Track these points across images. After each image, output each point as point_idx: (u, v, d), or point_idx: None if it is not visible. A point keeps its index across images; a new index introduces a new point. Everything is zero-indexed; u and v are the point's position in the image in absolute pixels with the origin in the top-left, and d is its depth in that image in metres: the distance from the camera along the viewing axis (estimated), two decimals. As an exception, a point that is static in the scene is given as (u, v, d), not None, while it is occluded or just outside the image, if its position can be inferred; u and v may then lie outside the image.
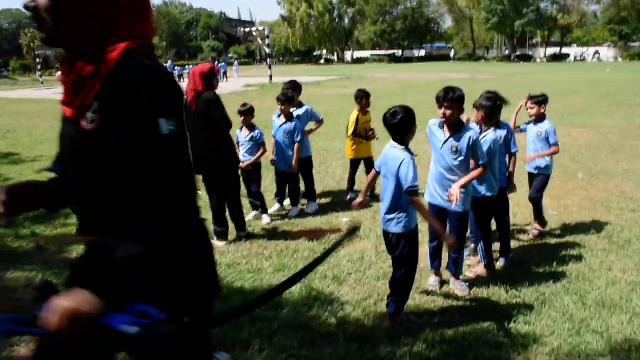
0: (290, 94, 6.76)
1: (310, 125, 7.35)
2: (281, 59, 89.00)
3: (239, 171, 6.02)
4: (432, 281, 4.68)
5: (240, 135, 6.52)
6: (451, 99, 4.19)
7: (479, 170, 4.31)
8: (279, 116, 6.69)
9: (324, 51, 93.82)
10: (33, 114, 22.54)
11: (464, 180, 4.28)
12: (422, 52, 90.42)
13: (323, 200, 7.55)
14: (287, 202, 7.14)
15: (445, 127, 4.34)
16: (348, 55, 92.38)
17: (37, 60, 60.31)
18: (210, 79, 5.52)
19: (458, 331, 3.88)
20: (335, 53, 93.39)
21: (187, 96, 5.56)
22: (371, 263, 5.21)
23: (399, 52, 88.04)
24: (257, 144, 6.48)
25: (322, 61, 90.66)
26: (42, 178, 2.18)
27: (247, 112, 6.40)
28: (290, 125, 6.61)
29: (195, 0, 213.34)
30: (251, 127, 6.46)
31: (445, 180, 4.38)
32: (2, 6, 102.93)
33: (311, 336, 3.84)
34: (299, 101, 7.08)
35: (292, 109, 6.78)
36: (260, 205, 6.70)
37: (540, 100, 5.67)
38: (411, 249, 3.92)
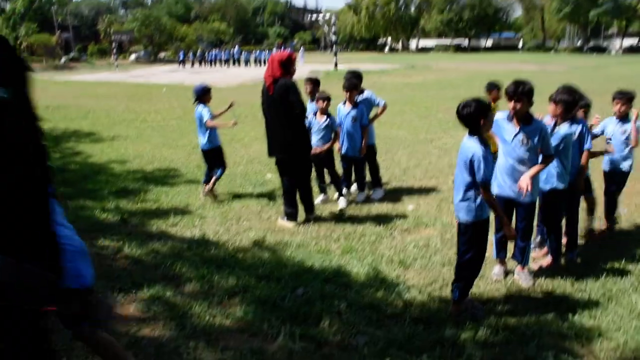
0: (354, 81, 6.89)
1: (375, 110, 7.44)
2: (346, 46, 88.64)
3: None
4: (496, 270, 4.77)
5: (314, 121, 6.67)
6: (521, 92, 4.26)
7: (546, 161, 4.41)
8: (345, 103, 6.85)
9: (389, 39, 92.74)
10: (110, 96, 23.59)
11: (533, 170, 4.37)
12: (490, 42, 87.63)
13: (389, 188, 7.68)
14: (353, 187, 7.32)
15: (515, 120, 4.40)
16: (413, 43, 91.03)
17: (113, 45, 62.50)
18: (288, 65, 5.74)
19: (521, 320, 3.98)
20: (400, 41, 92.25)
21: (265, 82, 5.82)
22: (436, 250, 5.34)
23: (465, 42, 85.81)
24: (331, 131, 6.65)
25: (386, 49, 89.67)
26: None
27: (325, 99, 6.56)
28: (356, 112, 6.76)
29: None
30: (327, 114, 6.63)
31: (516, 172, 4.45)
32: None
33: (378, 315, 4.04)
34: (361, 88, 7.18)
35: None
36: (325, 189, 6.93)
37: (630, 97, 5.50)
38: (479, 237, 4.03)
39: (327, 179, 6.99)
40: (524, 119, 4.38)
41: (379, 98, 7.27)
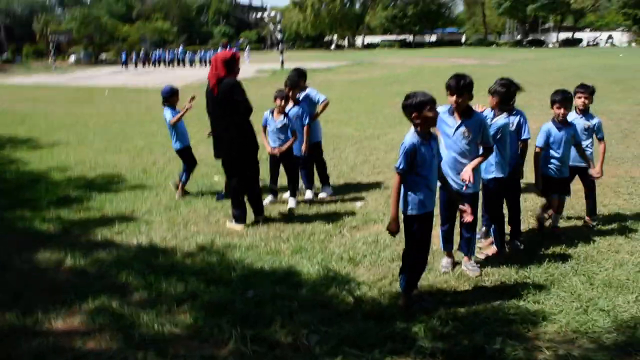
0: (296, 79, 6.87)
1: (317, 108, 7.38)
2: (292, 44, 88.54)
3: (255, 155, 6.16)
4: (444, 262, 4.85)
5: (271, 120, 6.59)
6: (462, 86, 4.37)
7: (486, 152, 4.56)
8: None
9: (335, 36, 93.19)
10: (48, 100, 22.85)
11: (475, 162, 4.49)
12: (434, 38, 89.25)
13: (337, 185, 7.70)
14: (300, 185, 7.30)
15: (456, 114, 4.50)
16: (359, 40, 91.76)
17: (50, 45, 60.56)
18: (232, 65, 5.69)
19: (470, 309, 4.06)
20: (346, 38, 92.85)
21: (209, 82, 5.74)
22: (385, 245, 5.39)
23: (410, 38, 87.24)
24: (288, 130, 6.55)
25: (333, 46, 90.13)
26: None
27: (282, 97, 6.47)
28: (297, 110, 6.73)
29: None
30: (284, 113, 6.54)
31: (458, 165, 4.55)
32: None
33: (329, 313, 4.04)
34: (304, 86, 7.16)
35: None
36: (276, 189, 6.91)
37: (592, 91, 5.65)
38: (419, 230, 4.09)
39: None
40: (464, 112, 4.48)
41: (320, 95, 7.24)
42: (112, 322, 3.94)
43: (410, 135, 3.97)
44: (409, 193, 4.02)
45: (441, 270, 4.76)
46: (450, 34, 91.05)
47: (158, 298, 4.30)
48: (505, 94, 4.87)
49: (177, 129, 7.29)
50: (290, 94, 6.68)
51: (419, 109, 3.88)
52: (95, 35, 71.63)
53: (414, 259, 4.16)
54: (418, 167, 3.96)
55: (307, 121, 6.74)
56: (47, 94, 25.88)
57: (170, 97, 7.30)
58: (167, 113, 7.26)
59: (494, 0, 77.17)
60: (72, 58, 70.55)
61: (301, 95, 6.96)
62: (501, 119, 4.86)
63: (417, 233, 4.08)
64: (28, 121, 16.41)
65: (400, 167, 3.95)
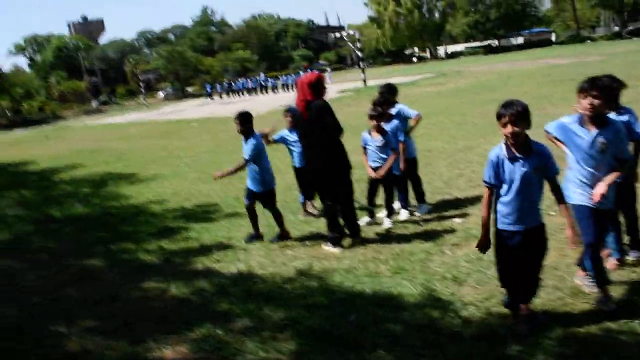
0: (387, 95, 6.79)
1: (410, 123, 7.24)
2: (371, 61, 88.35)
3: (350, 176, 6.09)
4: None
5: (370, 140, 6.51)
6: (600, 86, 3.91)
7: (622, 166, 4.04)
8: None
9: (416, 49, 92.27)
10: (142, 136, 24.11)
11: (611, 178, 3.98)
12: (520, 40, 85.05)
13: (433, 201, 7.47)
14: (396, 205, 7.14)
15: (589, 122, 3.97)
16: (441, 50, 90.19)
17: (140, 84, 64.04)
18: (318, 87, 5.68)
19: (590, 330, 3.74)
20: (427, 49, 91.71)
21: (298, 107, 5.75)
22: (491, 262, 5.04)
23: (495, 42, 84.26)
24: (389, 149, 6.45)
25: (414, 59, 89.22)
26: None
27: (379, 116, 6.38)
28: (391, 127, 6.61)
29: (282, 11, 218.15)
30: (382, 132, 6.44)
31: (594, 179, 4.01)
32: (107, 38, 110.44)
33: (435, 336, 3.87)
34: (395, 101, 7.05)
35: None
36: (374, 210, 6.81)
37: None
38: (507, 245, 3.86)
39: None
40: (599, 120, 3.96)
41: (412, 110, 7.10)
42: (218, 350, 3.97)
43: (497, 147, 3.75)
44: (499, 206, 3.82)
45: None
46: (538, 34, 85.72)
47: (260, 324, 4.29)
48: (612, 92, 4.42)
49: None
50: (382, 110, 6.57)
51: (498, 120, 3.65)
52: (181, 70, 74.96)
53: (506, 276, 3.93)
54: (505, 183, 3.72)
55: (401, 138, 6.61)
56: (140, 130, 27.29)
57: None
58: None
59: (586, -8, 72.69)
60: (161, 94, 74.39)
61: (393, 111, 6.84)
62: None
63: (501, 248, 3.89)
64: (125, 157, 17.32)
65: (485, 179, 3.80)
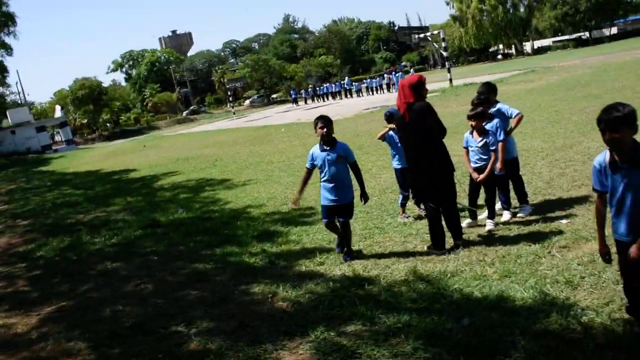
0: (487, 94, 6.71)
1: (511, 123, 7.09)
2: (454, 60, 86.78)
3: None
4: None
5: (471, 140, 6.47)
6: None
7: None
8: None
9: (500, 46, 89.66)
10: (232, 142, 24.84)
11: None
12: (614, 30, 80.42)
13: (535, 202, 7.24)
14: (497, 206, 6.98)
15: None
16: (527, 46, 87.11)
17: (228, 93, 66.09)
18: (419, 89, 5.69)
19: None
20: (513, 46, 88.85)
21: (399, 109, 5.76)
22: (605, 265, 4.87)
23: (585, 34, 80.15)
24: (489, 150, 6.37)
25: (499, 56, 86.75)
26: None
27: (477, 116, 6.34)
28: (491, 126, 6.49)
29: (363, 14, 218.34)
30: (483, 132, 6.39)
31: None
32: (195, 50, 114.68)
33: (556, 343, 3.74)
34: (494, 100, 6.92)
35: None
36: (476, 211, 6.70)
37: None
38: (621, 256, 3.64)
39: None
40: None
41: (513, 109, 6.93)
42: (335, 352, 4.02)
43: (601, 154, 3.54)
44: (612, 215, 3.57)
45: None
46: (634, 22, 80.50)
47: (372, 327, 4.31)
48: None
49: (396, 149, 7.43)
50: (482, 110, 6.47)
51: (598, 126, 3.40)
52: (266, 78, 76.73)
53: (628, 285, 3.71)
54: (610, 193, 3.52)
55: (501, 137, 6.46)
56: (229, 137, 28.14)
57: (387, 119, 7.47)
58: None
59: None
60: (247, 102, 76.53)
61: (492, 110, 6.71)
62: None
63: (620, 259, 3.65)
64: (219, 163, 17.94)
65: (593, 186, 3.62)
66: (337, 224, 6.17)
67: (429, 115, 5.61)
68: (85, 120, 69.51)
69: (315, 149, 6.08)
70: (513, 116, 6.88)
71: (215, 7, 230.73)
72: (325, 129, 5.90)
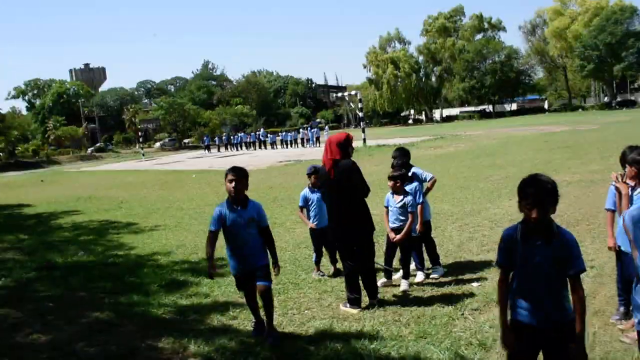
0: (405, 159, 6.92)
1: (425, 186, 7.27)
2: (368, 121, 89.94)
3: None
4: None
5: (391, 201, 6.50)
6: None
7: None
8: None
9: (412, 111, 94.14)
10: (140, 184, 24.03)
11: None
12: (514, 106, 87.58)
13: (446, 264, 7.37)
14: (411, 267, 7.04)
15: None
16: (436, 113, 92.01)
17: (139, 133, 64.45)
18: (346, 147, 5.71)
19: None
20: (423, 112, 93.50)
21: (325, 165, 5.74)
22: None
23: (489, 107, 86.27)
24: (407, 211, 6.42)
25: (410, 121, 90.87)
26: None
27: (399, 178, 6.41)
28: (410, 188, 6.64)
29: (282, 69, 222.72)
30: (403, 193, 6.45)
31: None
32: (107, 86, 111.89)
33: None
34: (409, 164, 7.11)
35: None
36: (392, 271, 6.72)
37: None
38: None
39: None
40: None
41: (427, 172, 7.14)
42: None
43: (511, 227, 3.30)
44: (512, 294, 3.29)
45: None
46: (531, 101, 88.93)
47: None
48: None
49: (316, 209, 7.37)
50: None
51: (520, 198, 3.14)
52: (180, 121, 75.70)
53: None
54: (516, 267, 3.23)
55: (420, 200, 6.60)
56: (138, 178, 27.23)
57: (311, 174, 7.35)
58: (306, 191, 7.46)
59: (577, 64, 75.37)
60: (158, 144, 74.90)
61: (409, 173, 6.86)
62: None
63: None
64: (125, 206, 17.19)
65: (497, 260, 3.35)
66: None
67: (355, 173, 5.63)
68: (-26, 147, 64.94)
69: (223, 208, 5.03)
70: (427, 180, 7.07)
71: (132, 45, 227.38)
72: (235, 184, 4.95)
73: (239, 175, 5.03)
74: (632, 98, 76.96)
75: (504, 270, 3.29)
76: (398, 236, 6.39)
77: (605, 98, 79.78)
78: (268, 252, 5.17)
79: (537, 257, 3.11)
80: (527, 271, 3.16)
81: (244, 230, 4.99)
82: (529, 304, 3.18)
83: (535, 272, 3.13)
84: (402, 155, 7.01)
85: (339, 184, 5.62)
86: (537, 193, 3.03)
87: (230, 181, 4.96)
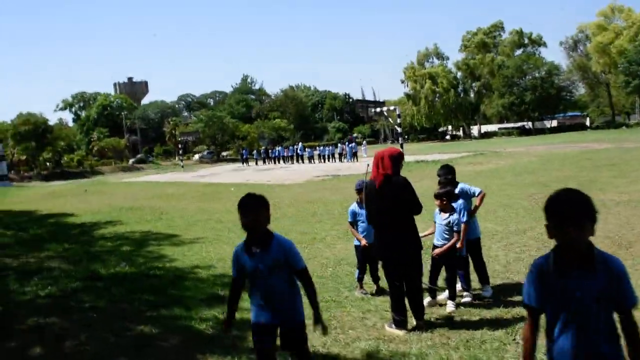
0: (450, 176, 6.78)
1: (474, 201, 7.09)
2: (406, 136, 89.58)
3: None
4: None
5: (438, 217, 6.42)
6: None
7: None
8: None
9: (449, 127, 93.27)
10: (180, 196, 24.24)
11: None
12: (554, 123, 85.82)
13: (493, 285, 7.15)
14: (457, 286, 6.84)
15: None
16: (474, 129, 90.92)
17: (179, 145, 65.49)
18: (399, 161, 5.62)
19: None
20: (461, 128, 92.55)
21: (375, 180, 5.63)
22: None
23: (528, 124, 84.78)
24: (452, 230, 6.32)
25: (447, 137, 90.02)
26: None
27: (445, 195, 6.32)
28: (457, 205, 6.48)
29: (320, 83, 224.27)
30: (450, 210, 6.35)
31: None
32: (149, 99, 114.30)
33: None
34: (455, 181, 6.96)
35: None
36: (437, 290, 6.56)
37: None
38: None
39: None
40: None
41: (474, 187, 6.97)
42: None
43: (541, 257, 2.81)
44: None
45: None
46: (572, 118, 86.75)
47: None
48: None
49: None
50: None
51: (547, 219, 2.69)
52: (218, 134, 76.63)
53: None
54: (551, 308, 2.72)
55: (465, 218, 6.43)
56: (177, 190, 27.48)
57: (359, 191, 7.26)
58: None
59: (621, 80, 73.43)
60: (197, 156, 75.99)
61: (456, 190, 6.70)
62: None
63: None
64: (165, 217, 17.32)
65: (523, 299, 2.82)
66: None
67: (409, 189, 5.54)
68: (24, 157, 67.02)
69: (239, 249, 4.02)
70: (476, 194, 6.88)
71: (175, 59, 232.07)
72: (248, 218, 3.89)
73: (253, 205, 3.89)
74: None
75: (532, 313, 2.79)
76: (436, 250, 6.29)
77: (650, 115, 77.74)
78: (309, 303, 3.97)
79: (577, 291, 2.58)
80: (566, 310, 2.63)
81: (268, 279, 3.83)
82: (574, 350, 2.62)
83: (577, 311, 2.59)
84: (447, 172, 6.87)
85: (392, 200, 5.50)
86: (570, 209, 2.54)
87: (243, 215, 3.89)
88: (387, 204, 5.50)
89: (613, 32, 77.27)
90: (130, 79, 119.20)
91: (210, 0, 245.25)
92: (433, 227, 6.56)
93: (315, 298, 3.94)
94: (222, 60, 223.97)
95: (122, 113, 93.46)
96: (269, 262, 3.81)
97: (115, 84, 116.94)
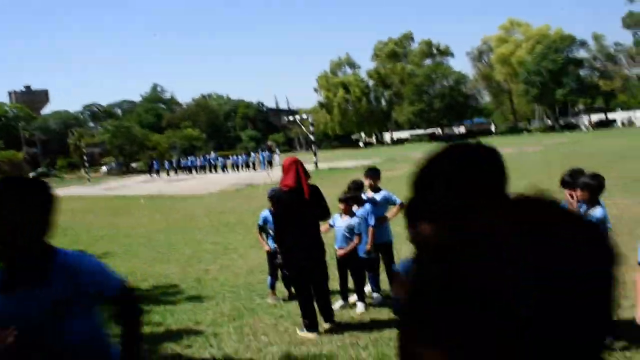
0: (360, 183, 7.10)
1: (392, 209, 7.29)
2: (319, 144, 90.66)
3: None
4: None
5: (338, 222, 6.52)
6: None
7: None
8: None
9: (362, 134, 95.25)
10: (86, 211, 23.25)
11: None
12: (462, 129, 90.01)
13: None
14: (367, 288, 7.02)
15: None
16: (387, 136, 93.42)
17: (84, 157, 62.71)
18: (306, 170, 5.76)
19: None
20: (374, 135, 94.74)
21: (293, 186, 5.68)
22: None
23: (438, 130, 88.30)
24: (353, 233, 6.45)
25: (361, 144, 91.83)
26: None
27: (349, 200, 6.44)
28: (361, 211, 6.67)
29: (232, 92, 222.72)
30: (351, 214, 6.46)
31: None
32: (51, 109, 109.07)
33: None
34: (378, 187, 7.16)
35: (370, 194, 6.89)
36: (347, 296, 6.69)
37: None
38: None
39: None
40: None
41: (396, 197, 7.20)
42: None
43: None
44: None
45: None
46: (479, 124, 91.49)
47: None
48: (597, 187, 4.69)
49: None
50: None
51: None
52: (127, 145, 74.18)
53: None
54: None
55: (372, 222, 6.60)
56: (83, 205, 26.35)
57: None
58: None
59: (521, 88, 78.37)
60: (104, 168, 73.09)
61: (377, 197, 6.96)
62: (598, 211, 4.62)
63: None
64: (70, 233, 16.51)
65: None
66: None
67: (319, 195, 5.69)
68: None
69: None
70: (397, 203, 7.13)
71: (80, 67, 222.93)
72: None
73: (7, 201, 2.11)
74: (573, 121, 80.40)
75: None
76: (340, 252, 6.44)
77: (549, 121, 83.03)
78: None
79: None
80: None
81: (47, 328, 2.15)
82: None
83: None
84: (356, 189, 7.05)
85: (312, 207, 5.61)
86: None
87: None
88: (306, 209, 5.59)
89: (513, 44, 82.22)
90: (27, 87, 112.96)
91: (118, 7, 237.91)
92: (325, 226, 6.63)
93: (135, 338, 2.44)
94: (130, 70, 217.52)
95: (20, 124, 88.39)
96: (46, 301, 2.14)
97: (10, 93, 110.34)
